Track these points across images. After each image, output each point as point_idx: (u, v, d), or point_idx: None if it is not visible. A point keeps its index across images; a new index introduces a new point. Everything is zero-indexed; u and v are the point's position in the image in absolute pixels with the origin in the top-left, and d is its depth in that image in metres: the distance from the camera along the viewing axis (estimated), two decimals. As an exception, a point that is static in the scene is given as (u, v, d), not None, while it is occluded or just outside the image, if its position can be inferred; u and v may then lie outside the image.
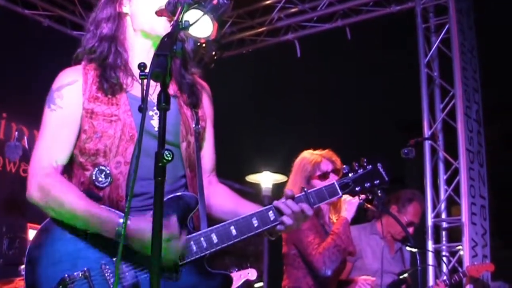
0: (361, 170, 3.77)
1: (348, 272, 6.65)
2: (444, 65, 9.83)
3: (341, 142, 6.40)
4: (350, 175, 3.76)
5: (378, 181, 3.77)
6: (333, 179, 5.77)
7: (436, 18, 10.00)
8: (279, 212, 3.53)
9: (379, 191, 3.83)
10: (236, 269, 7.78)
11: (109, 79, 3.52)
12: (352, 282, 6.42)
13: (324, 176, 5.93)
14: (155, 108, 3.46)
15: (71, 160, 3.53)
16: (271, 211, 3.54)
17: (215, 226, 3.47)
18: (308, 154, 6.14)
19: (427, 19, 10.06)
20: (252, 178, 10.77)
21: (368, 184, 3.77)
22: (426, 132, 9.65)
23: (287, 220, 3.51)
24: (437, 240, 9.46)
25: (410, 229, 7.30)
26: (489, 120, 9.96)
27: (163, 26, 3.52)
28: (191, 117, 3.68)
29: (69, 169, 3.56)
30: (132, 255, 3.29)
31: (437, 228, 9.49)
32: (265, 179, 10.49)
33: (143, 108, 2.81)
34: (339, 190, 3.71)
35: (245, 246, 12.69)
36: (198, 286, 3.42)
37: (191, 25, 3.10)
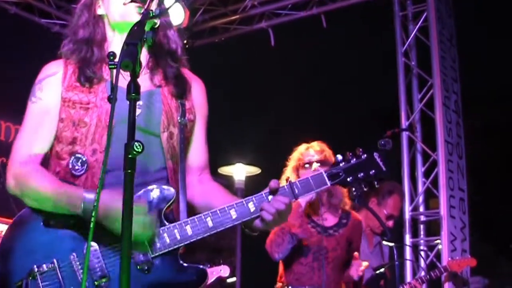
0: (355, 159, 3.61)
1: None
2: (422, 54, 9.76)
3: (317, 133, 6.33)
4: (341, 164, 3.60)
5: (374, 171, 3.60)
6: (316, 168, 5.91)
7: (414, 5, 9.90)
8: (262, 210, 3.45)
9: (375, 182, 3.64)
10: (209, 265, 7.66)
11: (86, 73, 3.54)
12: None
13: (309, 165, 6.07)
14: None
15: (49, 151, 3.58)
16: (251, 202, 3.44)
17: (190, 218, 3.41)
18: (300, 147, 6.30)
19: (405, 7, 9.96)
20: (224, 170, 10.66)
21: (362, 174, 3.59)
22: (404, 123, 9.58)
23: (267, 216, 3.41)
24: (414, 234, 9.42)
25: (390, 222, 7.35)
26: (468, 111, 9.83)
27: (133, 13, 3.49)
28: (175, 108, 3.63)
29: (46, 160, 3.60)
30: (102, 246, 3.30)
31: (414, 221, 9.46)
32: (238, 171, 10.40)
33: (112, 99, 2.75)
34: (327, 180, 3.56)
35: (218, 240, 12.59)
36: (171, 280, 3.35)
37: (163, 12, 3.17)
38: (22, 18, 10.54)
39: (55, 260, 3.28)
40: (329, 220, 6.15)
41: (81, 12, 3.70)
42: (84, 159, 3.42)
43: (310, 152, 6.13)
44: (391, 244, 6.62)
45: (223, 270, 7.72)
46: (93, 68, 3.55)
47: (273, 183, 3.46)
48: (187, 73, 3.80)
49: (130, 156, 2.65)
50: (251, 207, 3.43)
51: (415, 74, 9.78)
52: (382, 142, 5.00)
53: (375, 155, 3.63)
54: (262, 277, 7.07)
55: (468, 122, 9.95)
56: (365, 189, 3.86)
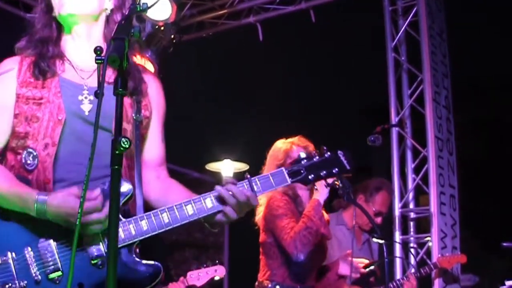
0: (317, 157, 3.66)
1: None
2: (412, 49, 9.70)
3: (305, 129, 6.28)
4: (303, 162, 3.63)
5: (337, 169, 3.65)
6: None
7: (403, 0, 9.79)
8: (220, 200, 3.46)
9: (339, 181, 3.63)
10: (205, 265, 7.58)
11: (41, 66, 3.57)
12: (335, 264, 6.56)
13: (296, 163, 5.84)
14: (85, 92, 3.54)
15: (5, 146, 3.59)
16: (208, 198, 3.46)
17: (146, 213, 3.43)
18: (279, 143, 6.18)
19: (394, 1, 9.84)
20: (212, 166, 10.61)
21: (324, 172, 3.63)
22: (393, 119, 9.50)
23: (229, 210, 3.44)
24: (404, 231, 9.36)
25: (378, 219, 7.29)
26: (458, 106, 9.78)
27: (64, 4, 3.57)
28: (130, 104, 3.64)
29: (2, 155, 3.62)
30: (56, 241, 3.33)
31: (404, 218, 9.39)
32: (226, 168, 10.35)
33: (99, 94, 2.78)
34: (287, 178, 3.60)
35: (205, 237, 12.55)
36: (125, 275, 3.33)
37: (149, 7, 3.10)
38: (6, 11, 10.44)
39: (8, 253, 3.30)
40: None
41: (39, 17, 3.73)
42: (35, 153, 3.44)
43: (294, 149, 5.99)
44: (381, 241, 6.55)
45: (218, 270, 7.63)
46: (47, 62, 3.57)
47: (230, 179, 3.47)
48: (143, 70, 3.81)
49: (117, 152, 2.67)
50: (208, 203, 3.44)
51: (405, 70, 9.68)
52: (372, 138, 4.96)
53: (339, 153, 3.68)
54: (249, 274, 7.00)
55: (457, 117, 9.90)
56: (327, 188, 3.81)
